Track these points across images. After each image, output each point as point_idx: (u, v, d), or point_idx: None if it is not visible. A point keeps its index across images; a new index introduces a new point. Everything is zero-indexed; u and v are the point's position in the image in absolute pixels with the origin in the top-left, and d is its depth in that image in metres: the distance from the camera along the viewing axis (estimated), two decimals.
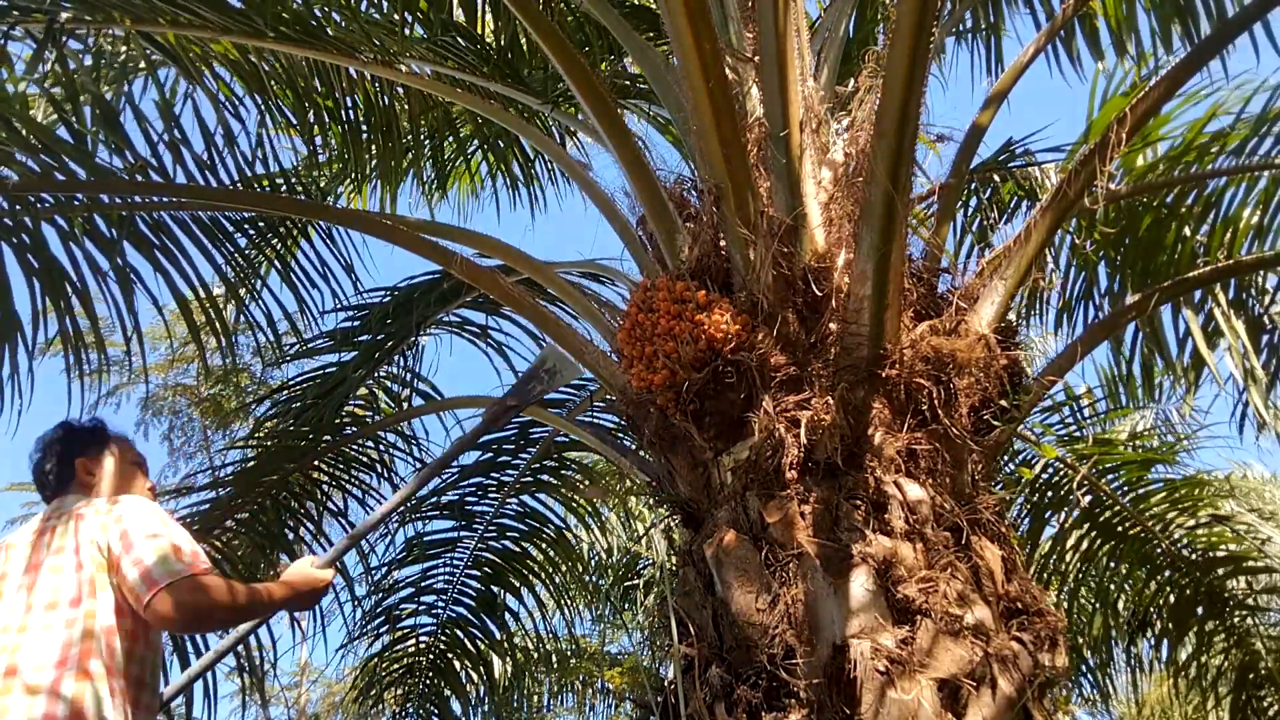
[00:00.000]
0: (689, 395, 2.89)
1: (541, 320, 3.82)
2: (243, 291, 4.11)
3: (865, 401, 2.81)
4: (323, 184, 5.24)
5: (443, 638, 5.49)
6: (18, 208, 3.32)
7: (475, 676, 5.61)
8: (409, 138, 5.10)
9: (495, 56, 4.74)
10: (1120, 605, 5.27)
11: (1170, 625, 5.11)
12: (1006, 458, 4.98)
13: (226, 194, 3.77)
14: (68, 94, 3.46)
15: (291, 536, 4.82)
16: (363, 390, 5.09)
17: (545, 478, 5.46)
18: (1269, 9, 3.35)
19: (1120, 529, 4.91)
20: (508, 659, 5.75)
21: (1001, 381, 3.10)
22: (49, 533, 2.05)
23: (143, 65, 4.04)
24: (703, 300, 2.92)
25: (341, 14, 4.16)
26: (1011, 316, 3.34)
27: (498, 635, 5.59)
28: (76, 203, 3.42)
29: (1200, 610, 5.05)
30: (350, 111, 4.63)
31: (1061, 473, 4.92)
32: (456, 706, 5.62)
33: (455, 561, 5.38)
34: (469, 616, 5.50)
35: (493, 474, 5.38)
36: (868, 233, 2.77)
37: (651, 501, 4.06)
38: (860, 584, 2.50)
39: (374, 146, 4.86)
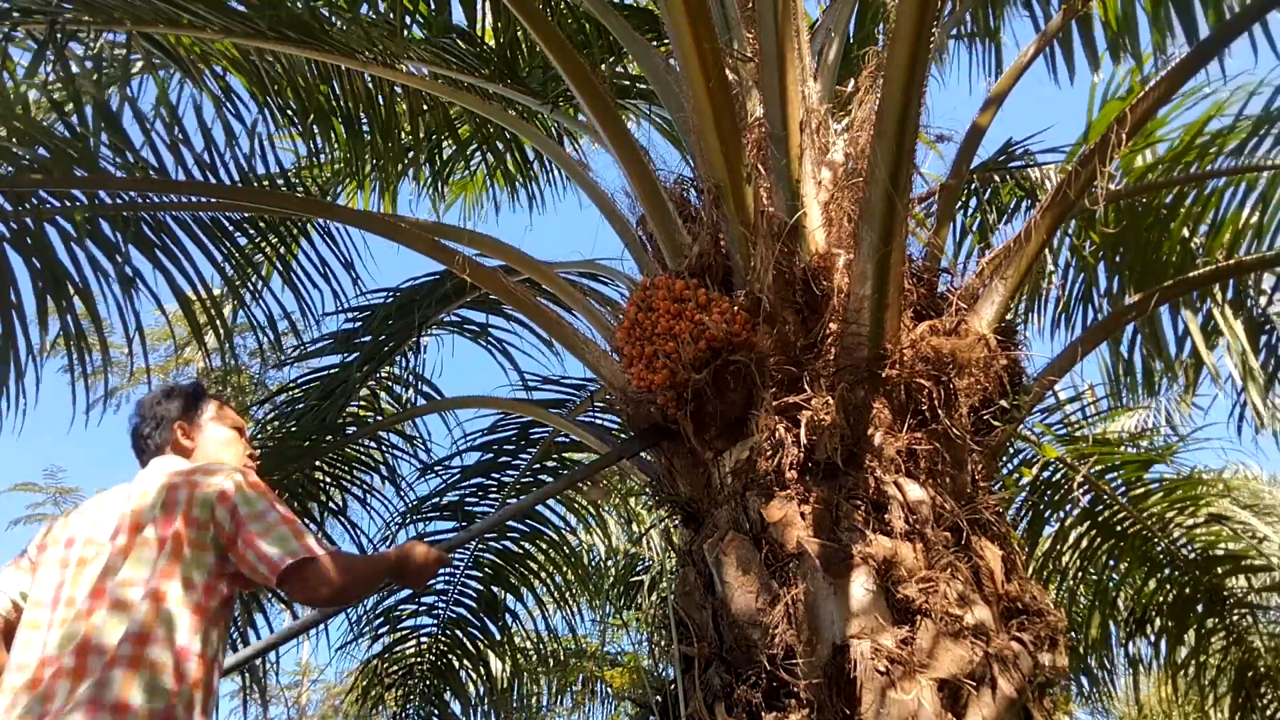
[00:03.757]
0: (689, 395, 2.90)
1: (543, 318, 3.83)
2: (244, 292, 4.12)
3: (865, 401, 2.81)
4: (323, 184, 5.25)
5: (443, 638, 5.49)
6: (23, 207, 3.33)
7: (475, 677, 5.61)
8: (409, 138, 5.11)
9: (495, 57, 4.75)
10: (1120, 604, 5.28)
11: (1169, 623, 5.12)
12: (1006, 458, 4.98)
13: (232, 190, 3.78)
14: (69, 95, 3.46)
15: None
16: (364, 391, 5.10)
17: (546, 478, 5.46)
18: (1269, 9, 3.36)
19: (1119, 528, 4.92)
20: (508, 659, 5.75)
21: (1001, 381, 3.10)
22: (135, 499, 1.92)
23: (141, 65, 4.04)
24: (703, 299, 2.93)
25: (341, 16, 4.17)
26: (1009, 317, 3.34)
27: (498, 636, 5.59)
28: (79, 204, 3.42)
29: (1199, 608, 5.05)
30: (350, 111, 4.63)
31: (1061, 472, 4.92)
32: (457, 707, 5.62)
33: (455, 562, 5.38)
34: (469, 617, 5.50)
35: (493, 474, 5.38)
36: (868, 233, 2.78)
37: (651, 501, 4.06)
38: (860, 584, 2.50)
39: (373, 146, 4.86)
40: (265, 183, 4.11)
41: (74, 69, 3.45)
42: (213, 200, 3.78)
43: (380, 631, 5.41)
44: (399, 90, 4.75)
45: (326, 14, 4.17)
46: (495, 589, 5.49)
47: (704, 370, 2.87)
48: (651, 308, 3.01)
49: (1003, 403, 3.10)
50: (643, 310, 3.03)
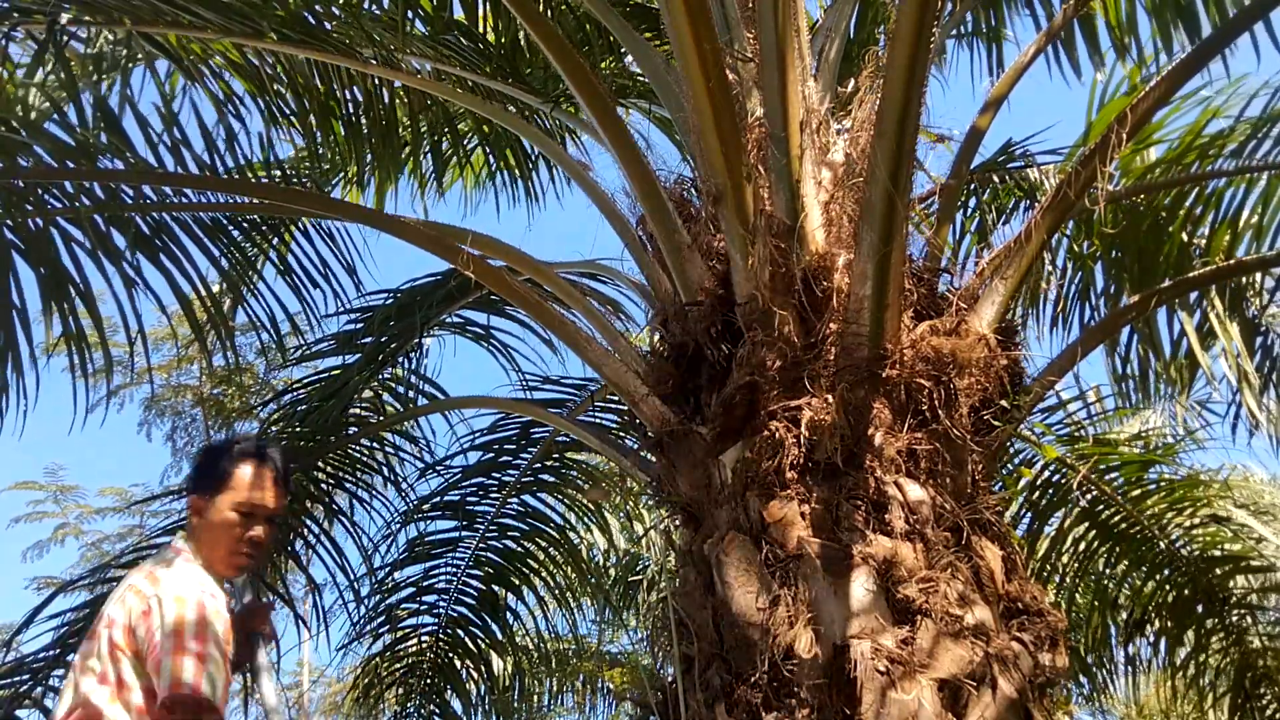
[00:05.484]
0: None
1: (547, 316, 3.82)
2: (245, 291, 4.12)
3: (865, 402, 2.81)
4: (322, 185, 5.24)
5: (444, 637, 5.50)
6: (28, 207, 3.33)
7: (476, 676, 5.62)
8: (408, 136, 5.10)
9: (495, 55, 4.74)
10: (1119, 604, 5.28)
11: (1169, 624, 5.12)
12: (1006, 458, 4.98)
13: (237, 185, 3.78)
14: (70, 96, 3.46)
15: (295, 537, 4.83)
16: (367, 392, 5.09)
17: (546, 477, 5.47)
18: (1269, 9, 3.36)
19: (1119, 528, 4.92)
20: (509, 658, 5.76)
21: (1002, 382, 3.10)
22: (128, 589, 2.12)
23: (141, 64, 4.03)
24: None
25: (343, 12, 4.16)
26: (1009, 317, 3.34)
27: (499, 635, 5.60)
28: (81, 206, 3.42)
29: (1199, 609, 5.05)
30: (350, 110, 4.62)
31: (1061, 473, 4.92)
32: (458, 705, 5.63)
33: (457, 561, 5.38)
34: (470, 616, 5.51)
35: (494, 474, 5.38)
36: (868, 233, 2.78)
37: (652, 501, 4.06)
38: (861, 584, 2.50)
39: (372, 145, 4.85)
40: (264, 176, 4.11)
41: (74, 68, 3.45)
42: (218, 200, 3.78)
43: (382, 630, 5.42)
44: (399, 88, 4.74)
45: (327, 9, 4.16)
46: (496, 588, 5.49)
47: None
48: None
49: (1003, 403, 3.10)
50: None
